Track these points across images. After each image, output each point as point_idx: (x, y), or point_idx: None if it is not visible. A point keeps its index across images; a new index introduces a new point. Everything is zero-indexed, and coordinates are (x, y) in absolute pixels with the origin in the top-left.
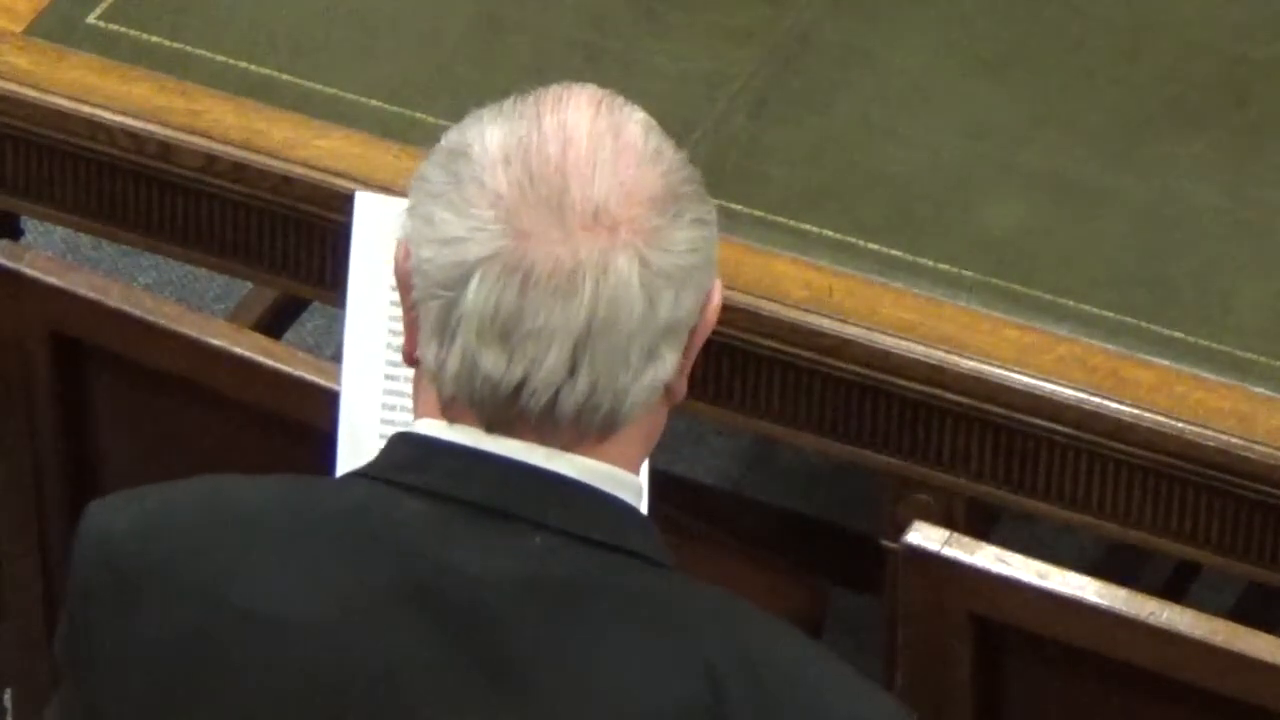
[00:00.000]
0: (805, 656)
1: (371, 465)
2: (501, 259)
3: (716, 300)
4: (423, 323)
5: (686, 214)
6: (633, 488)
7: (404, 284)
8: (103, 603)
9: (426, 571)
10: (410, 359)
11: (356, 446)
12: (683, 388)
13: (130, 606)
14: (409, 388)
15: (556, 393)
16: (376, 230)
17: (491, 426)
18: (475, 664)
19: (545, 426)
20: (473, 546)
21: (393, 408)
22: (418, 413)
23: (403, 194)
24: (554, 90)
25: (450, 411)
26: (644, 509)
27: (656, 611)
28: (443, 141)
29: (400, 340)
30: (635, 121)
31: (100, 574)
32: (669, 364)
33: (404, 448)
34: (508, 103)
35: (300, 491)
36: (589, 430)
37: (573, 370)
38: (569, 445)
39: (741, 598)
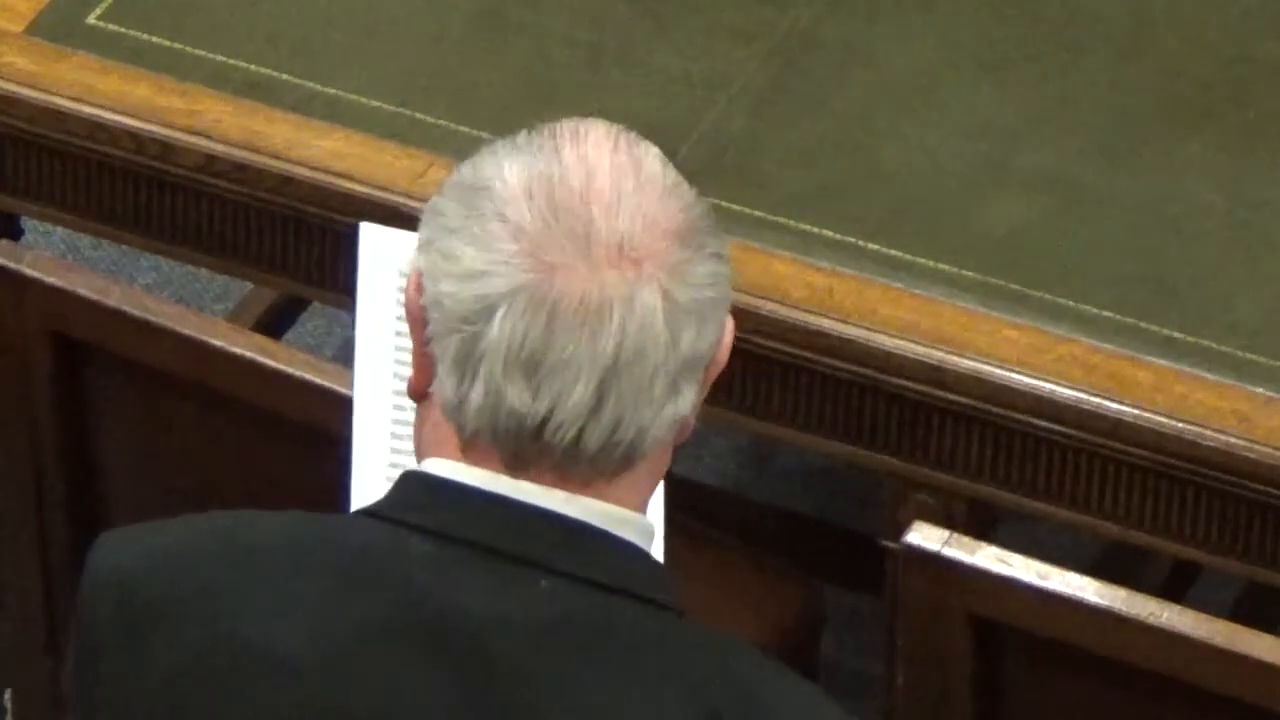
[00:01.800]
0: (810, 703)
1: (381, 504)
2: (527, 292)
3: (729, 336)
4: (441, 357)
5: (707, 248)
6: (643, 529)
7: (416, 318)
8: (112, 639)
9: (432, 614)
10: (417, 394)
11: (365, 480)
12: (692, 423)
13: (138, 643)
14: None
15: (583, 427)
16: (382, 263)
17: (513, 463)
18: (477, 709)
19: (567, 463)
20: (479, 590)
21: (401, 436)
22: (426, 449)
23: (406, 204)
24: (569, 124)
25: (471, 448)
26: (658, 548)
27: (661, 656)
28: (455, 176)
29: (406, 372)
30: (653, 156)
31: (110, 610)
32: (687, 399)
33: (415, 487)
34: (521, 137)
35: (309, 529)
36: (608, 466)
37: (598, 404)
38: (587, 482)
39: (746, 642)
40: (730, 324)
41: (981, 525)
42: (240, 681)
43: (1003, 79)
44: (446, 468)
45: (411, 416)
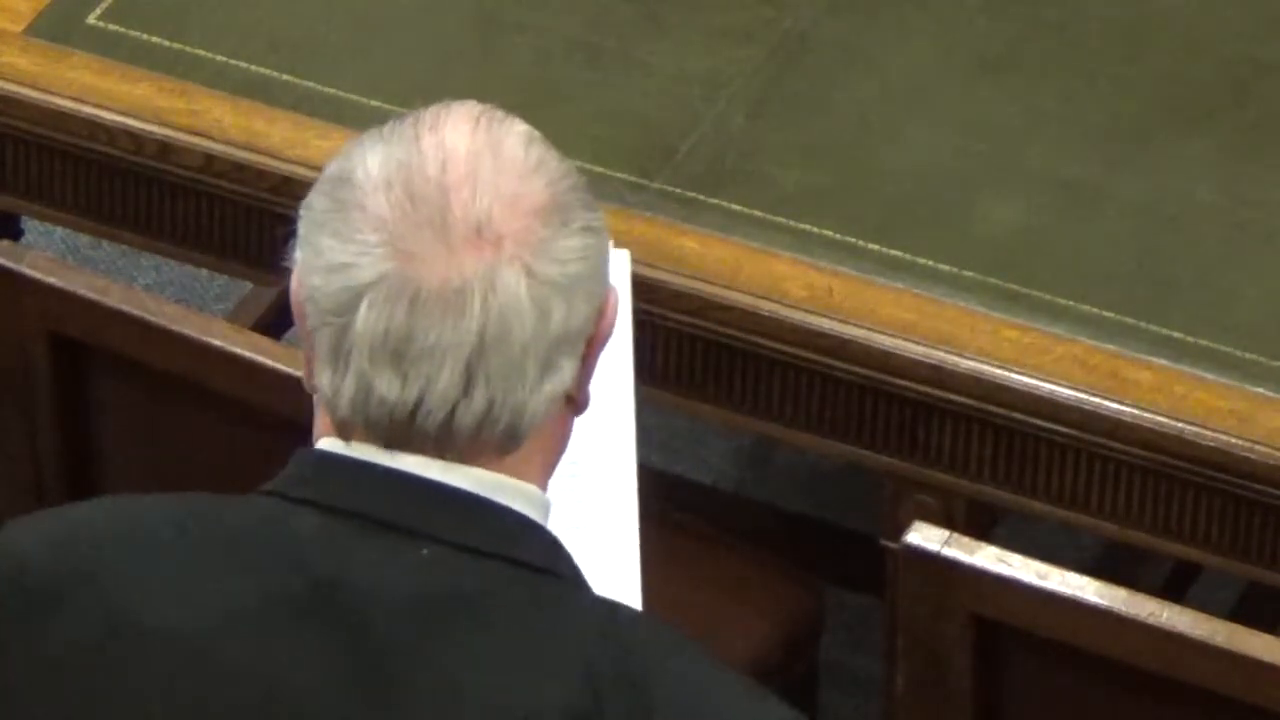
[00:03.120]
0: (693, 664)
1: (275, 482)
2: (388, 282)
3: (611, 308)
4: (317, 350)
5: (574, 222)
6: (534, 498)
7: (298, 313)
8: (9, 620)
9: (318, 586)
10: (308, 384)
11: None
12: (586, 397)
13: (33, 627)
14: None
15: (453, 410)
16: None
17: (389, 445)
18: (356, 678)
19: (444, 443)
20: (363, 560)
21: None
22: (316, 434)
23: None
24: (433, 110)
25: (347, 433)
26: (548, 519)
27: (539, 619)
28: (327, 169)
29: None
30: (515, 134)
31: (8, 591)
32: (567, 374)
33: (302, 463)
34: (388, 126)
35: (204, 509)
36: (488, 445)
37: (468, 387)
38: (468, 460)
39: (630, 606)
40: (613, 295)
41: (981, 525)
42: (134, 661)
43: (1003, 79)
44: (332, 444)
45: None
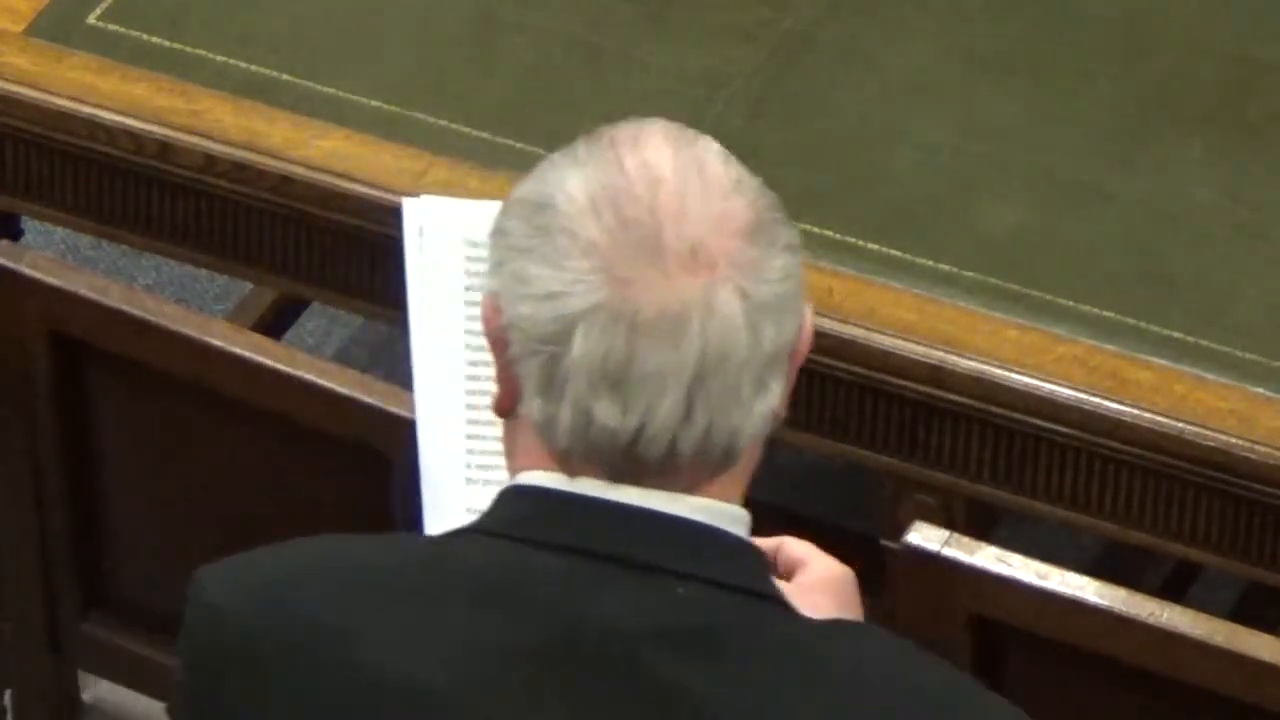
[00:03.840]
0: (962, 681)
1: (489, 521)
2: (605, 309)
3: (809, 322)
4: (525, 378)
5: (779, 241)
6: (741, 519)
7: (497, 340)
8: (230, 677)
9: (569, 629)
10: (503, 411)
11: (439, 489)
12: (783, 413)
13: (259, 678)
14: (487, 402)
15: (675, 436)
16: (436, 239)
17: (614, 476)
18: (636, 717)
19: (666, 471)
20: (613, 600)
21: (476, 436)
22: (518, 463)
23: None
24: (626, 130)
25: (567, 464)
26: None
27: (807, 659)
28: (518, 193)
29: (476, 367)
30: (712, 153)
31: (223, 647)
32: (775, 393)
33: (523, 502)
34: (579, 148)
35: (418, 552)
36: (705, 469)
37: (688, 412)
38: (689, 487)
39: (852, 620)
40: (809, 311)
41: (981, 525)
42: (375, 713)
43: (1003, 79)
44: (552, 479)
45: (482, 415)
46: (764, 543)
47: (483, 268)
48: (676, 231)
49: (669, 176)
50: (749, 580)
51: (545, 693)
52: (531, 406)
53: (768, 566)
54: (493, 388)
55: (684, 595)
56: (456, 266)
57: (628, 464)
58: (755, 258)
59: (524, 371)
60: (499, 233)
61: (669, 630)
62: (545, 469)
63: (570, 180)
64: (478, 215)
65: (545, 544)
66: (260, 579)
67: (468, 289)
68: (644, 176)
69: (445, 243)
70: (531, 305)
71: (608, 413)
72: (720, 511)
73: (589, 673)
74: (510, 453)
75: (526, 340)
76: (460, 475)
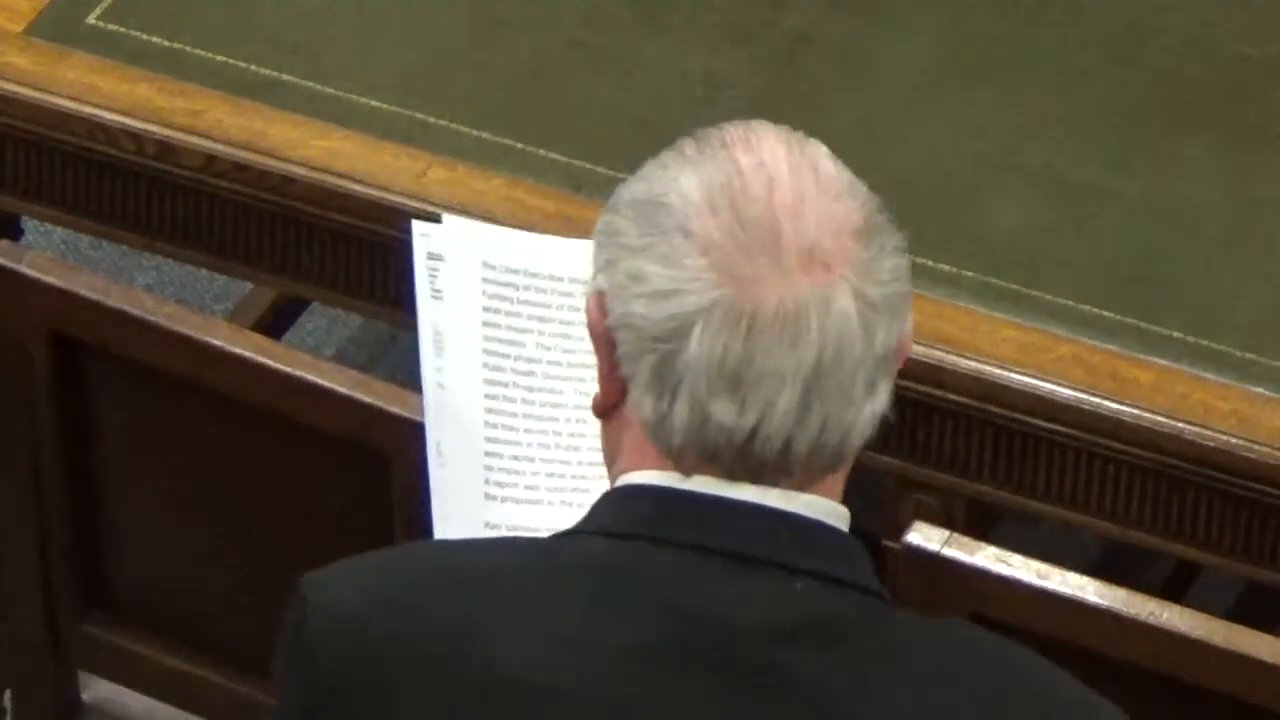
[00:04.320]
0: (1065, 680)
1: (602, 520)
2: (723, 307)
3: (911, 328)
4: (634, 377)
5: (890, 243)
6: (844, 517)
7: (602, 339)
8: (354, 683)
9: (690, 625)
10: (602, 411)
11: (450, 502)
12: (890, 415)
13: (385, 684)
14: (506, 421)
15: (790, 436)
16: (453, 262)
17: (729, 474)
18: (769, 713)
19: (780, 470)
20: (732, 596)
21: (495, 454)
22: (625, 463)
23: (406, 204)
24: (737, 130)
25: (680, 462)
26: None
27: (925, 654)
28: (627, 194)
29: (494, 387)
30: (824, 155)
31: (347, 653)
32: (883, 395)
33: (639, 502)
34: (687, 148)
35: (536, 554)
36: (817, 468)
37: (804, 412)
38: (800, 486)
39: (958, 620)
40: (912, 315)
41: (981, 525)
42: (497, 711)
43: (1003, 79)
44: (668, 479)
45: (501, 419)
46: None
47: (500, 290)
48: (794, 231)
49: (785, 176)
50: (861, 576)
51: (672, 691)
52: (643, 405)
53: (872, 564)
54: (511, 407)
55: (801, 590)
56: (474, 288)
57: (743, 462)
58: (868, 259)
59: (633, 370)
60: (609, 232)
61: (790, 625)
62: (656, 468)
63: (684, 179)
64: (493, 238)
65: (667, 542)
66: (385, 585)
67: (485, 309)
68: (761, 176)
69: (463, 266)
70: (645, 303)
71: (724, 411)
72: (829, 509)
73: (716, 668)
74: (613, 453)
75: (639, 338)
76: (479, 491)
